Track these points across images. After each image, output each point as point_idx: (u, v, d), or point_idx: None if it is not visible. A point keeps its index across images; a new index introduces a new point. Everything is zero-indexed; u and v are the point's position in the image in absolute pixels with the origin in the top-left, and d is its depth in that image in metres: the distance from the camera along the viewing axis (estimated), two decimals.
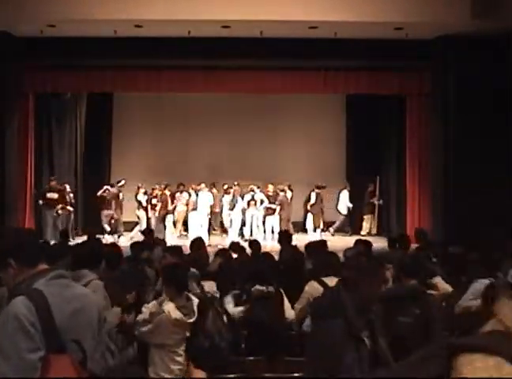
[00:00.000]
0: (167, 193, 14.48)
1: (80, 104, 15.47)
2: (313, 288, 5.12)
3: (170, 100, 16.06)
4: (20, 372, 2.16)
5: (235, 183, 15.01)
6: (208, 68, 13.07)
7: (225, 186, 15.08)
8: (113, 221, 14.51)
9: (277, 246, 8.74)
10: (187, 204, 14.51)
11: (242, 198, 14.69)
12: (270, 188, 14.91)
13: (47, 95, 14.07)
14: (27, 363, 2.18)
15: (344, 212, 15.91)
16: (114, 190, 14.50)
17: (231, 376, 4.25)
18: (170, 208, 14.31)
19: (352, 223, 16.16)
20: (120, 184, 14.70)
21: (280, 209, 14.69)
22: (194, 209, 14.20)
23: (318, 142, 16.74)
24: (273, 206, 14.62)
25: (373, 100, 14.98)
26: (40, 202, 13.55)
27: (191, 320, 4.11)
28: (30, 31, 11.86)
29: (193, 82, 13.31)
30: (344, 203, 15.91)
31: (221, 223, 15.59)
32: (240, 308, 5.14)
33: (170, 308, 4.06)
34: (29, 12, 11.11)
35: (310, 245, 7.15)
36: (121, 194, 14.63)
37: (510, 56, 11.92)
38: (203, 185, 14.51)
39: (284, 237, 8.42)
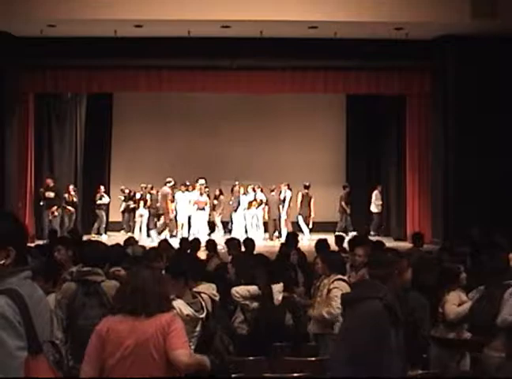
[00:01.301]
0: (168, 191, 14.43)
1: (80, 104, 15.46)
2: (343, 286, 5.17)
3: (170, 100, 16.05)
4: (9, 371, 2.14)
5: (236, 183, 14.97)
6: (208, 68, 13.06)
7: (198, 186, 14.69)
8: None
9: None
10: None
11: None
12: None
13: (47, 95, 14.08)
14: (17, 362, 2.16)
15: (375, 210, 15.91)
16: (164, 189, 14.41)
17: (231, 376, 4.25)
18: (171, 207, 14.31)
19: (353, 223, 16.14)
20: (171, 184, 14.52)
21: (269, 209, 14.68)
22: (202, 209, 14.12)
23: (318, 142, 16.74)
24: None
25: (373, 100, 14.97)
26: (41, 203, 13.57)
27: (202, 316, 4.08)
28: (30, 31, 11.86)
29: (193, 82, 13.31)
30: (376, 202, 15.93)
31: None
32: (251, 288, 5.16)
33: (180, 304, 4.01)
34: (29, 12, 11.11)
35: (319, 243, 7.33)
36: (170, 193, 14.48)
37: (510, 56, 11.93)
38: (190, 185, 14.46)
39: (291, 239, 8.44)
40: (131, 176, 15.51)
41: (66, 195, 14.14)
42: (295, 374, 4.31)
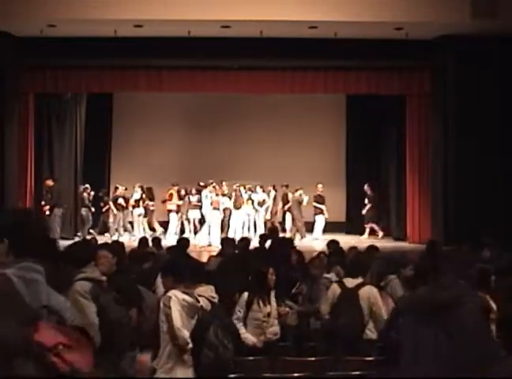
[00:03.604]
0: (173, 192, 14.40)
1: (80, 104, 15.43)
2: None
3: (170, 100, 16.05)
4: None
5: (223, 183, 14.64)
6: (208, 68, 13.07)
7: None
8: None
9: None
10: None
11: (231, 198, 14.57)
12: (320, 187, 14.73)
13: (47, 95, 14.07)
14: None
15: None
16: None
17: (231, 376, 4.25)
18: (171, 208, 14.30)
19: (354, 225, 16.14)
20: (214, 184, 14.40)
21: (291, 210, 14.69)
22: (216, 209, 14.07)
23: (317, 142, 16.74)
24: (322, 206, 14.51)
25: (373, 100, 14.97)
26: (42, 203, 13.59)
27: (199, 305, 4.15)
28: (30, 31, 11.87)
29: (193, 82, 13.31)
30: None
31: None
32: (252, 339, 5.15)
33: (175, 291, 4.11)
34: (29, 12, 11.11)
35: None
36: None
37: (510, 56, 11.93)
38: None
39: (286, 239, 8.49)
40: (131, 176, 15.49)
41: (85, 194, 14.24)
42: (295, 374, 4.31)
